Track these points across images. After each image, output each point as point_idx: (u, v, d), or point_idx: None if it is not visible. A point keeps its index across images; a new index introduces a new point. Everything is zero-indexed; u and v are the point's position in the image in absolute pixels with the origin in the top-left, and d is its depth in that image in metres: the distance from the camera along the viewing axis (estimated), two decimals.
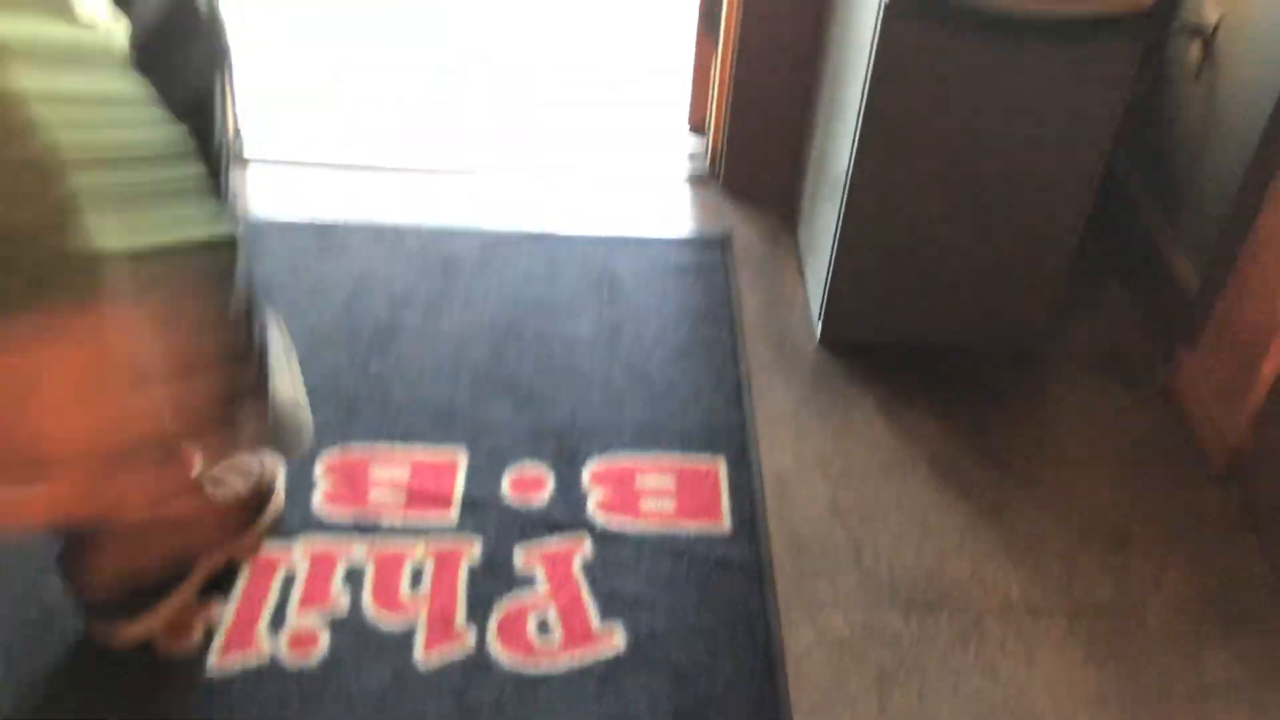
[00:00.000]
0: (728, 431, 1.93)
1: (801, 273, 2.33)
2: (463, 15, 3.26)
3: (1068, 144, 1.90)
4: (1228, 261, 1.96)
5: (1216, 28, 2.03)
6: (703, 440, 1.91)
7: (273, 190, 2.47)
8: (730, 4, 2.38)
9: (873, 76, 1.84)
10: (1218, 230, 2.00)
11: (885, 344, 2.16)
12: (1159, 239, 2.21)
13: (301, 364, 1.94)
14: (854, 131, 1.92)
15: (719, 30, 2.47)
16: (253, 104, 2.71)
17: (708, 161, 2.61)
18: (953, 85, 1.83)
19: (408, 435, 1.88)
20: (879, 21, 1.79)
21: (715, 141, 2.56)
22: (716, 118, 2.54)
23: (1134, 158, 2.24)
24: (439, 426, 1.91)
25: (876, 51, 1.81)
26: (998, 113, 1.86)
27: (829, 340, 2.16)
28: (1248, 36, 1.96)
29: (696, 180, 2.59)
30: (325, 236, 2.34)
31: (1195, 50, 2.08)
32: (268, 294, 2.17)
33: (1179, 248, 2.15)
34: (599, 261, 2.33)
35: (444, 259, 2.29)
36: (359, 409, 1.93)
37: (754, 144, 2.49)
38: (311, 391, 1.86)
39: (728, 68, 2.44)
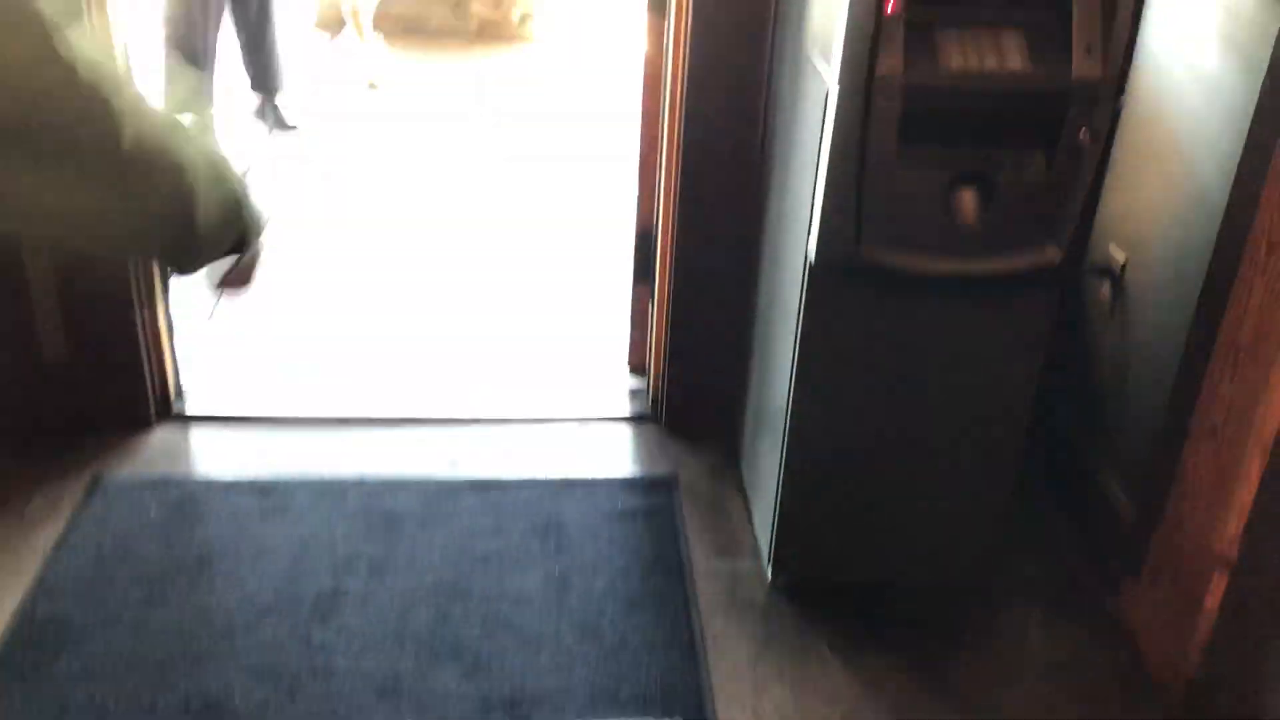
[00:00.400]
0: (684, 691, 1.89)
1: (749, 511, 2.34)
2: (393, 257, 3.34)
3: (996, 386, 1.96)
4: (1159, 495, 2.00)
5: (1124, 268, 2.14)
6: (658, 702, 1.87)
7: (213, 448, 2.46)
8: (663, 252, 2.48)
9: (802, 333, 1.90)
10: (1146, 463, 2.05)
11: (836, 583, 2.15)
12: (1094, 470, 2.26)
13: (241, 639, 1.90)
14: (789, 381, 1.97)
15: (654, 277, 2.56)
16: (191, 359, 2.73)
17: (649, 402, 2.65)
18: (880, 338, 1.90)
19: (350, 715, 1.81)
20: (805, 282, 1.86)
21: (655, 383, 2.61)
22: (656, 360, 2.60)
23: (1060, 391, 2.32)
24: (384, 701, 1.84)
25: (804, 310, 1.88)
26: (925, 361, 1.93)
27: (780, 583, 2.15)
28: (1154, 275, 2.07)
29: (638, 420, 2.62)
30: (267, 495, 2.31)
31: (1105, 289, 2.18)
32: (209, 562, 2.13)
33: (1113, 478, 2.19)
34: (544, 508, 2.32)
35: (387, 515, 2.27)
36: (301, 686, 1.86)
37: (694, 385, 2.54)
38: (252, 670, 1.81)
39: (664, 313, 2.52)
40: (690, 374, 2.54)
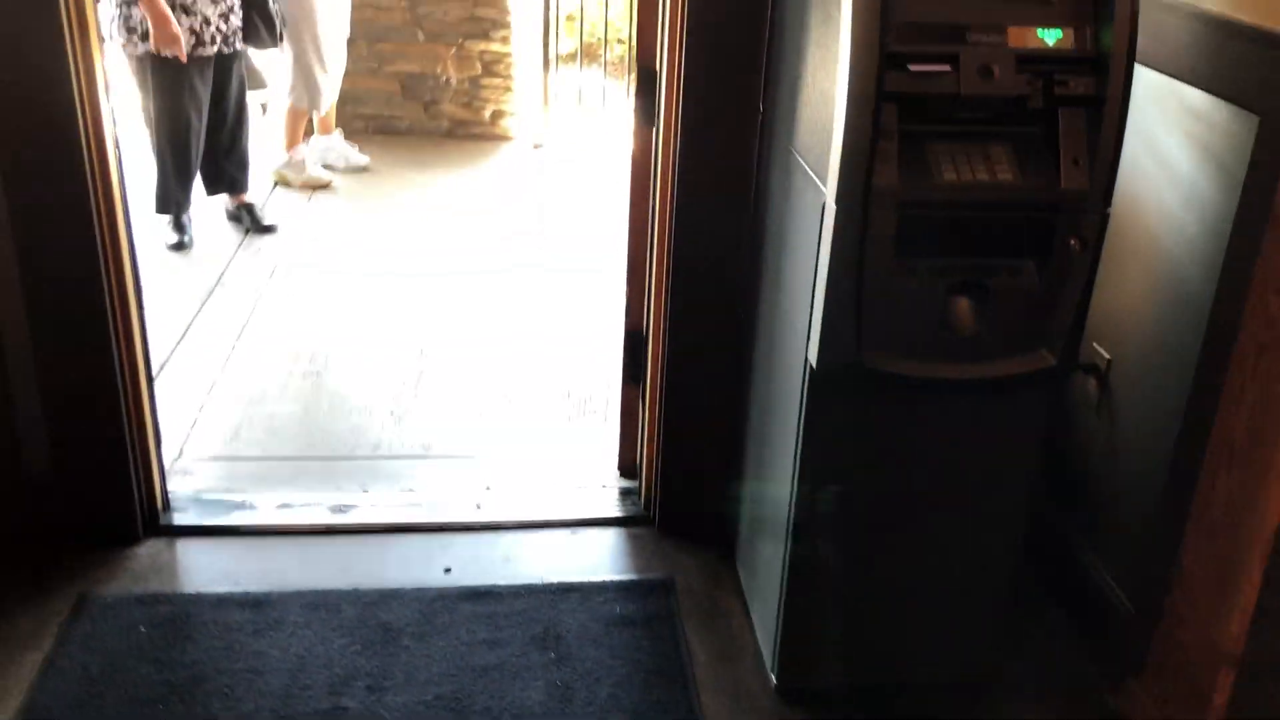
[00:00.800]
0: None
1: (748, 613, 2.33)
2: (375, 362, 3.34)
3: (995, 484, 1.99)
4: (1157, 591, 2.02)
5: (1109, 365, 2.19)
6: None
7: (202, 561, 2.42)
8: (654, 354, 2.50)
9: (804, 436, 1.92)
10: (1142, 559, 2.08)
11: (840, 686, 2.14)
12: (1085, 563, 2.28)
13: None
14: (791, 483, 1.98)
15: (644, 379, 2.58)
16: (178, 467, 2.70)
17: (641, 503, 2.64)
18: (881, 440, 1.92)
19: None
20: (806, 386, 1.89)
21: (648, 484, 2.61)
22: (648, 461, 2.60)
23: (1051, 487, 2.35)
24: None
25: (806, 413, 1.90)
26: (925, 462, 1.95)
27: (785, 687, 2.14)
28: (1139, 373, 2.12)
29: (631, 522, 2.61)
30: (259, 610, 2.27)
31: (1092, 387, 2.23)
32: (202, 682, 2.08)
33: (1106, 572, 2.21)
34: (542, 616, 2.30)
35: (383, 628, 2.24)
36: None
37: (687, 486, 2.54)
38: None
39: (655, 414, 2.53)
40: (683, 475, 2.54)
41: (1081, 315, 1.82)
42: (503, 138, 5.59)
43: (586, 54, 6.28)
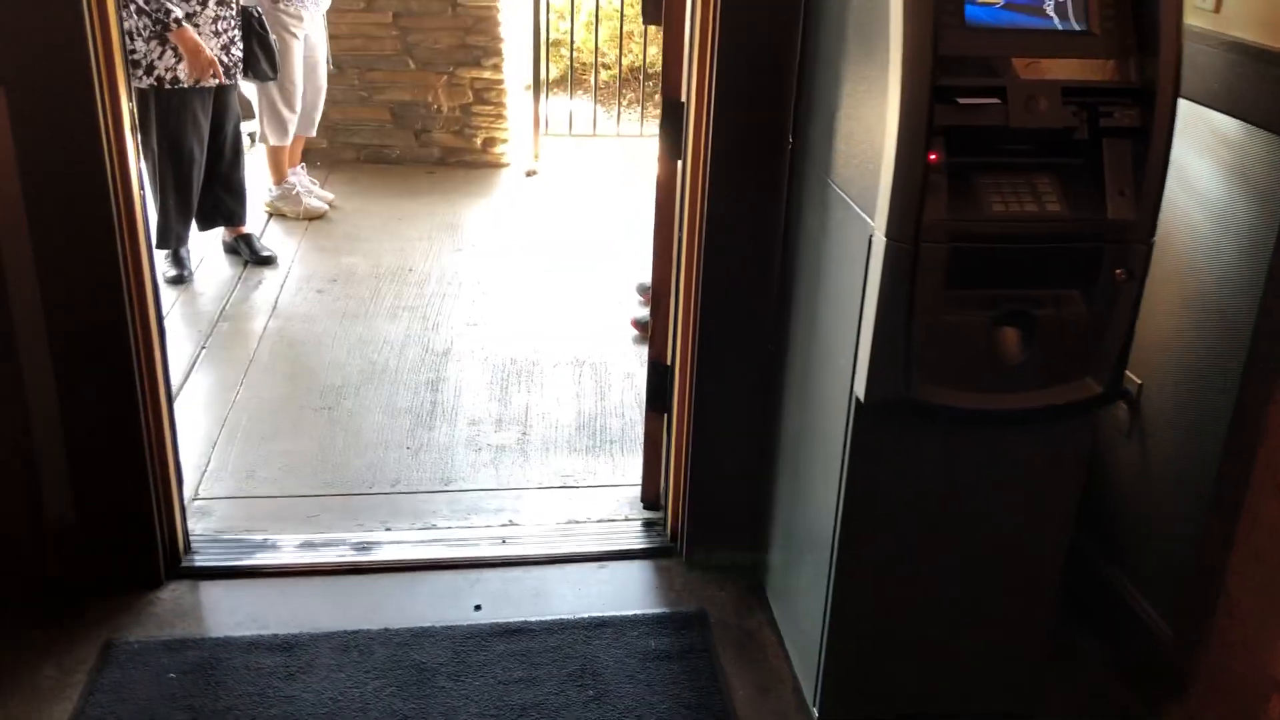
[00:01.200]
0: None
1: (783, 645, 2.31)
2: (388, 395, 3.32)
3: (1038, 511, 2.00)
4: (1200, 617, 2.03)
5: (1140, 390, 2.20)
6: None
7: (229, 604, 2.38)
8: (682, 382, 2.49)
9: (850, 468, 1.91)
10: (1184, 585, 2.08)
11: (881, 718, 2.13)
12: (1117, 588, 2.28)
13: None
14: (835, 516, 1.97)
15: (670, 408, 2.56)
16: (195, 508, 2.66)
17: (668, 533, 2.63)
18: (926, 470, 1.92)
19: None
20: (852, 419, 1.88)
21: (675, 514, 2.60)
22: (674, 491, 2.59)
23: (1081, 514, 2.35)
24: None
25: (852, 446, 1.90)
26: (970, 490, 1.95)
27: None
28: (1171, 398, 2.13)
29: (658, 553, 2.60)
30: (290, 653, 2.23)
31: (1122, 411, 2.24)
32: None
33: (1142, 598, 2.22)
34: (576, 653, 2.27)
35: (416, 668, 2.21)
36: None
37: (715, 517, 2.53)
38: None
39: (683, 444, 2.52)
40: (710, 507, 2.53)
41: (1127, 344, 1.83)
42: (495, 165, 5.58)
43: (576, 80, 6.30)
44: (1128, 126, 1.73)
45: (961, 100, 1.68)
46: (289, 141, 4.65)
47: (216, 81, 3.85)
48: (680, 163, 2.37)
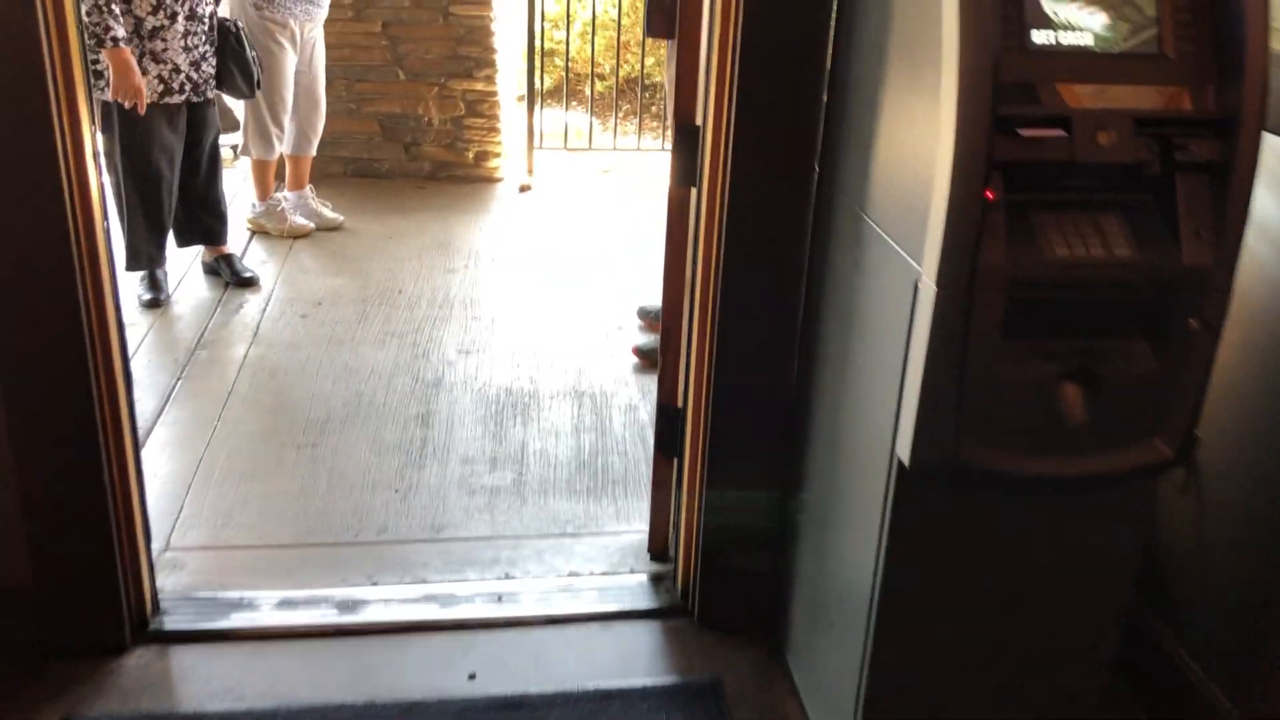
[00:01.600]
0: None
1: (806, 716, 2.12)
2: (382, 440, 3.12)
3: (1094, 579, 1.82)
4: (1262, 687, 1.85)
5: (1197, 443, 2.01)
6: None
7: (199, 673, 2.17)
8: (694, 429, 2.29)
9: (890, 534, 1.72)
10: (1241, 651, 1.91)
11: None
12: (1174, 656, 2.10)
13: None
14: (873, 583, 1.78)
15: (681, 455, 2.37)
16: (165, 559, 2.46)
17: (678, 591, 2.43)
18: (974, 536, 1.74)
19: None
20: (893, 483, 1.69)
21: (685, 570, 2.40)
22: (685, 545, 2.39)
23: None
24: None
25: (892, 511, 1.71)
26: (1021, 558, 1.77)
27: None
28: (1233, 453, 1.95)
29: (668, 613, 2.40)
30: None
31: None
32: None
33: (1198, 665, 2.04)
34: None
35: None
36: None
37: (729, 573, 2.33)
38: None
39: (695, 495, 2.32)
40: (725, 561, 2.33)
41: (1199, 401, 1.65)
42: (487, 179, 5.38)
43: (571, 91, 6.11)
44: (1205, 161, 1.54)
45: (1024, 132, 1.50)
46: (274, 156, 4.44)
47: (184, 98, 3.65)
48: (695, 191, 2.18)
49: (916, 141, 1.58)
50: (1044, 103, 1.52)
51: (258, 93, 4.13)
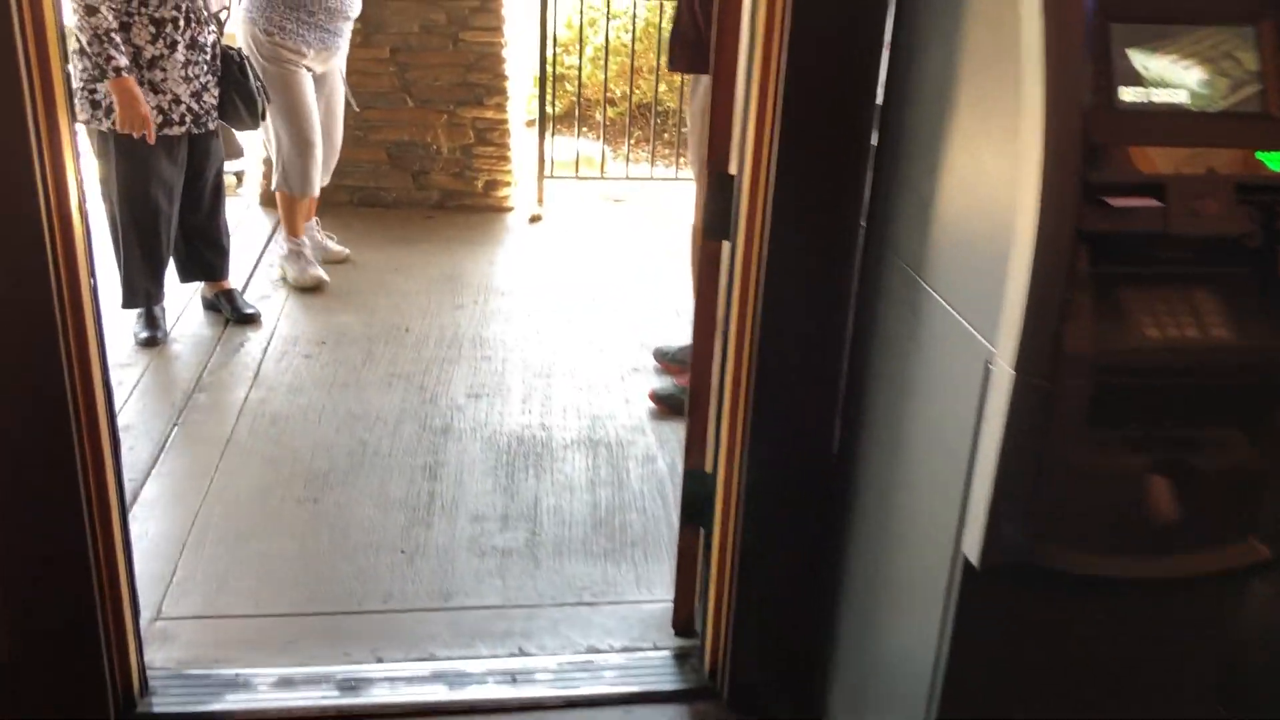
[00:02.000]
0: None
1: None
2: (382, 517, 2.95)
3: (1173, 684, 1.65)
4: None
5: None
6: None
7: None
8: (725, 498, 2.13)
9: (956, 635, 1.56)
10: None
11: None
12: None
13: None
14: (933, 683, 1.61)
15: (711, 525, 2.21)
16: (155, 630, 2.30)
17: (705, 670, 2.26)
18: (1047, 639, 1.57)
19: None
20: (960, 582, 1.53)
21: (715, 648, 2.23)
22: (715, 621, 2.22)
23: None
24: None
25: (958, 611, 1.54)
26: (1095, 662, 1.60)
27: None
28: None
29: (696, 695, 2.23)
30: None
31: (1261, 551, 1.88)
32: None
33: None
34: None
35: None
36: None
37: (763, 655, 2.16)
38: None
39: (726, 567, 2.15)
40: (758, 640, 2.16)
41: None
42: (497, 209, 5.23)
43: (582, 118, 5.98)
44: None
45: (1113, 201, 1.34)
46: (312, 192, 4.19)
47: (184, 129, 3.50)
48: (729, 245, 2.02)
49: (987, 205, 1.43)
50: (1135, 168, 1.36)
51: (278, 126, 3.97)
